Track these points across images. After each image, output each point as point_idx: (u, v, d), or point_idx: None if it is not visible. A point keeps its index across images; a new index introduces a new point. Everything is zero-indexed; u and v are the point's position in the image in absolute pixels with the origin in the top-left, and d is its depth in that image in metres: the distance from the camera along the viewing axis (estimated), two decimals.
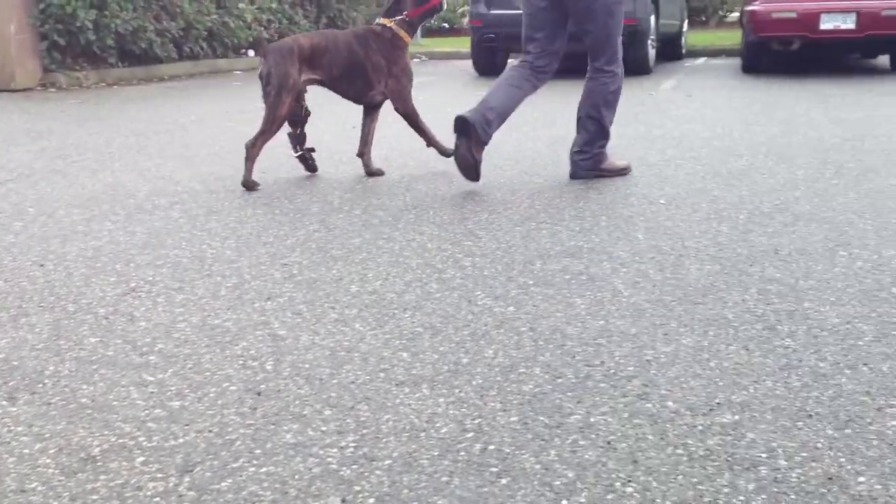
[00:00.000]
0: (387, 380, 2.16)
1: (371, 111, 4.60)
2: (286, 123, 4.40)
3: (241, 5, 12.98)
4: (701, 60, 13.17)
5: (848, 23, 9.37)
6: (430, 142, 4.71)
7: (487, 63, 11.07)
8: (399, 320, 2.58)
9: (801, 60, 10.75)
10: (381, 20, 4.37)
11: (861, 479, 1.69)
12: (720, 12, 22.22)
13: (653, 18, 10.46)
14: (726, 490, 1.65)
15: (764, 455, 1.78)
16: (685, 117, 6.89)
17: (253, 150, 4.25)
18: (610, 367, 2.23)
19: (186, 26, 12.09)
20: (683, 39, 13.25)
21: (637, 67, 10.34)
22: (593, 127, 4.37)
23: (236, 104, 8.54)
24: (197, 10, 12.19)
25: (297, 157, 4.65)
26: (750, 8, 9.91)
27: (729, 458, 1.77)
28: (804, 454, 1.78)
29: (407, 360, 2.29)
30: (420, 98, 8.76)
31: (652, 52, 10.69)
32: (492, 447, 1.83)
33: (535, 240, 3.41)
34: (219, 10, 12.72)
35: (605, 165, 4.49)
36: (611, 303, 2.70)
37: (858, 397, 2.03)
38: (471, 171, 4.19)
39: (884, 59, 10.94)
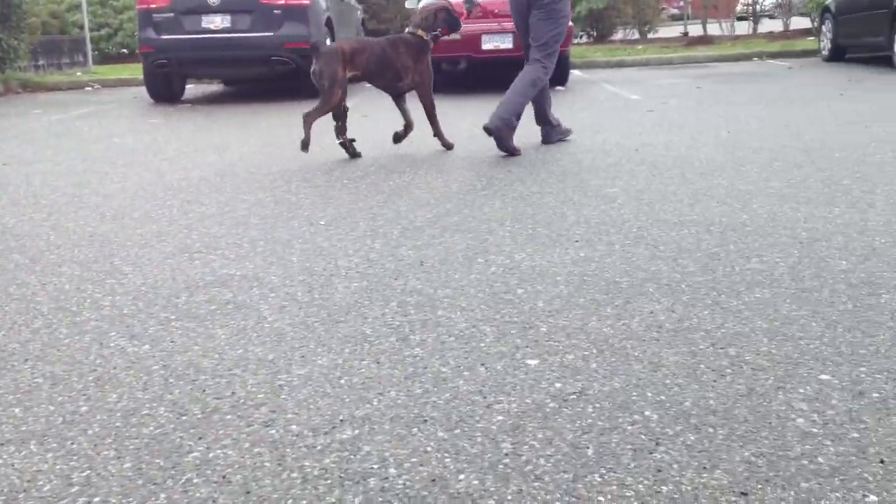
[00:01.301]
0: None
1: (399, 99, 5.94)
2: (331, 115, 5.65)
3: None
4: None
5: (506, 42, 10.09)
6: (436, 132, 5.95)
7: (162, 90, 10.71)
8: (18, 373, 2.38)
9: (470, 79, 11.40)
10: (415, 30, 5.70)
11: (461, 476, 1.78)
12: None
13: (329, 41, 10.64)
14: None
15: (376, 466, 1.83)
16: (359, 138, 7.04)
17: (308, 118, 5.54)
18: (240, 397, 2.19)
19: None
20: None
21: (317, 89, 10.47)
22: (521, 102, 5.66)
23: None
24: None
25: (340, 143, 5.77)
26: None
27: (342, 475, 1.80)
28: (414, 459, 1.85)
29: (18, 416, 2.11)
30: (84, 128, 8.29)
31: None
32: (97, 499, 1.72)
33: (185, 271, 3.31)
34: None
35: (507, 142, 5.68)
36: (253, 330, 2.67)
37: (472, 397, 2.15)
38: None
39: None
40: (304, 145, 5.53)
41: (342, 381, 2.27)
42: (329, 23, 10.64)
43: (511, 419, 2.02)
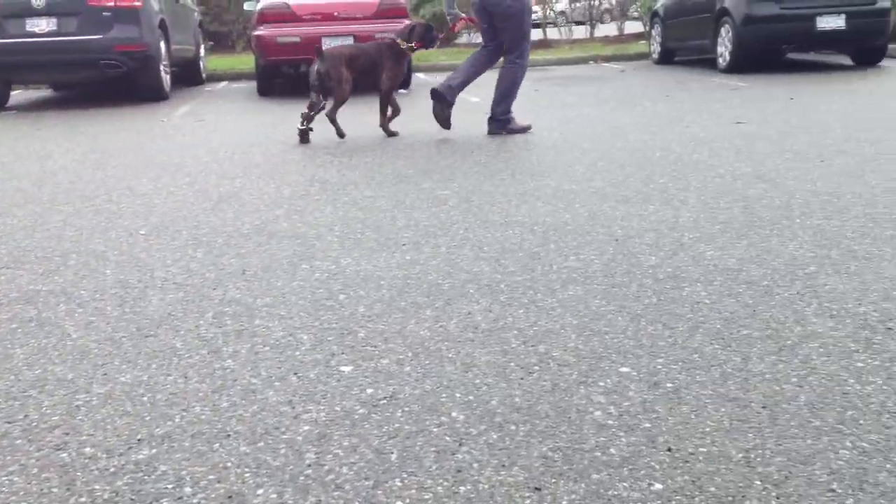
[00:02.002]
0: None
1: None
2: (307, 105, 6.47)
3: None
4: (222, 84, 13.28)
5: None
6: (384, 120, 6.68)
7: None
8: None
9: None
10: (398, 39, 6.59)
11: (260, 491, 1.74)
12: (245, 37, 22.63)
13: (163, 44, 10.30)
14: None
15: (171, 486, 1.76)
16: (191, 143, 6.86)
17: (331, 115, 6.51)
18: (33, 420, 2.08)
19: None
20: (202, 64, 13.26)
21: (151, 94, 10.13)
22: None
23: None
24: None
25: (300, 130, 6.50)
26: (256, 33, 10.20)
27: (133, 497, 1.73)
28: (212, 476, 1.80)
29: None
30: None
31: (167, 78, 10.53)
32: None
33: None
34: None
35: (512, 126, 6.56)
36: (54, 348, 2.54)
37: (280, 408, 2.11)
38: (445, 122, 6.63)
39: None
40: (340, 133, 6.61)
41: (144, 399, 2.18)
42: (163, 25, 10.31)
43: (318, 428, 2.00)
